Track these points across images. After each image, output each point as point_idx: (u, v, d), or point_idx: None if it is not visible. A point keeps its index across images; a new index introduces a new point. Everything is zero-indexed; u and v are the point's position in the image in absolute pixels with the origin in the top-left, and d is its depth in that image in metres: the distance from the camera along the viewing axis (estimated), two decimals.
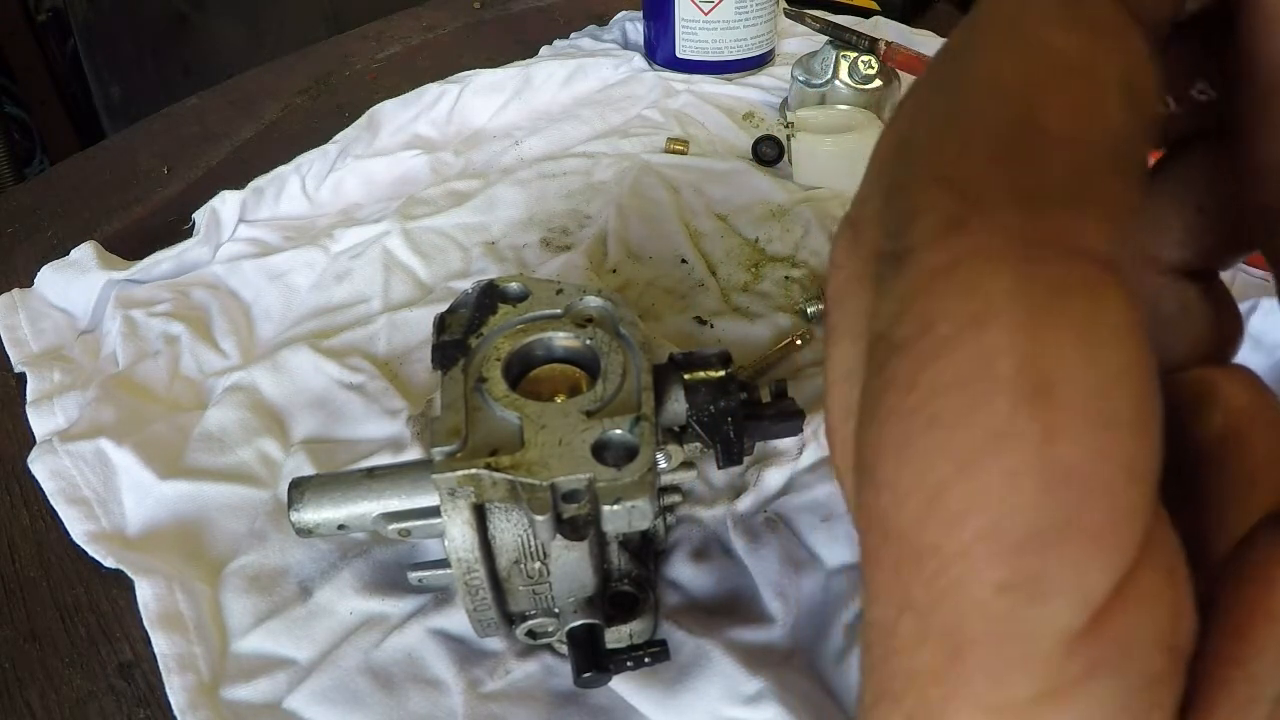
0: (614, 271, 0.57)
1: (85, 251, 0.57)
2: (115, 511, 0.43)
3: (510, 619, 0.35)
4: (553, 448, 0.31)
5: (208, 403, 0.48)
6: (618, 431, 0.31)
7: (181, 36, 1.42)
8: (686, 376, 0.35)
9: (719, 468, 0.36)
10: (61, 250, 0.58)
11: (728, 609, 0.38)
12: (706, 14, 0.74)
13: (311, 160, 0.65)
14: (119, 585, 0.41)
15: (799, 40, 0.81)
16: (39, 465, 0.45)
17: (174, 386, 0.50)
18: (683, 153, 0.67)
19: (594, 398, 0.33)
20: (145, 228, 0.63)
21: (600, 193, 0.63)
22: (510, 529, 0.32)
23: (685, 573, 0.39)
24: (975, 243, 0.12)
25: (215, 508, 0.43)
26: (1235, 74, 0.14)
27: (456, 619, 0.38)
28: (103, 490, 0.44)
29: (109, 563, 0.41)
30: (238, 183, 0.63)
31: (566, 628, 0.33)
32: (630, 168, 0.65)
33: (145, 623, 0.39)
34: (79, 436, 0.45)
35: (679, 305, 0.54)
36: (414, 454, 0.44)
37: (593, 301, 0.37)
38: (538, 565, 0.33)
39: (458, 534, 0.31)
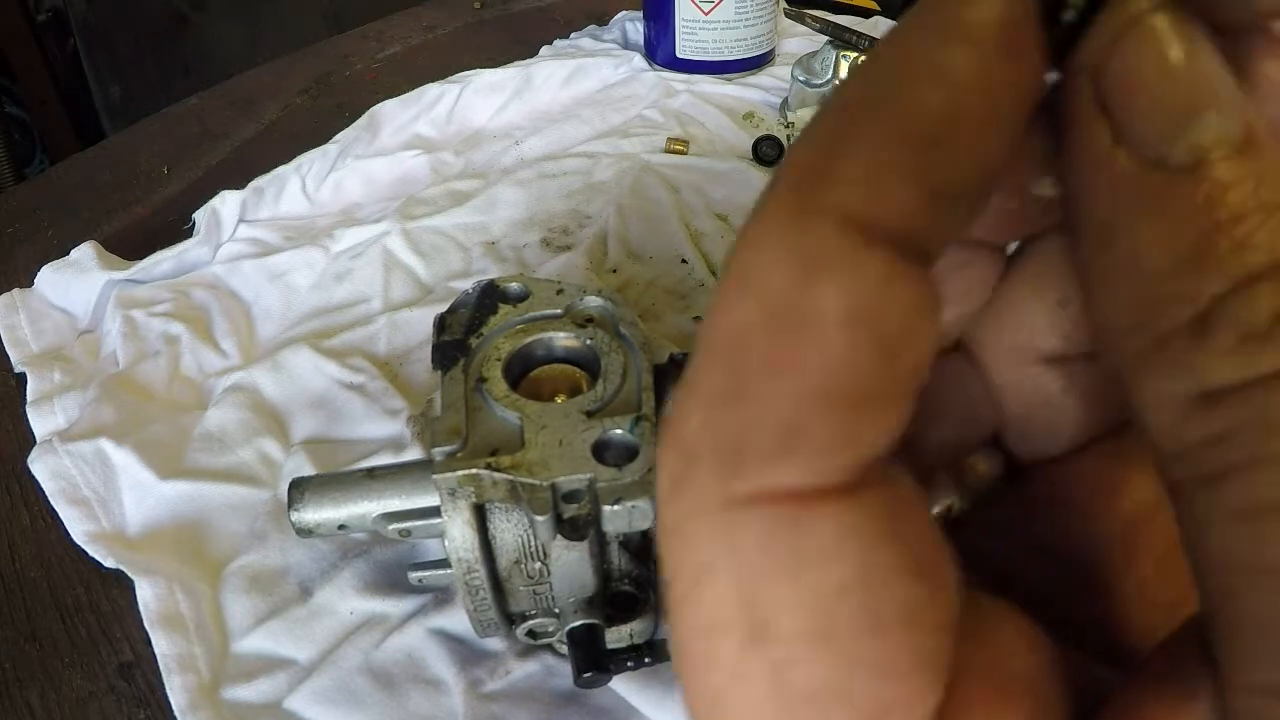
0: (614, 271, 0.57)
1: (85, 251, 0.57)
2: (115, 511, 0.43)
3: (510, 619, 0.35)
4: (553, 448, 0.31)
5: (208, 403, 0.48)
6: (618, 431, 0.31)
7: (181, 36, 1.42)
8: None
9: None
10: (61, 250, 0.58)
11: None
12: (706, 14, 0.74)
13: (311, 160, 0.65)
14: (119, 585, 0.41)
15: (799, 40, 0.81)
16: (39, 465, 0.45)
17: (174, 386, 0.50)
18: (683, 153, 0.67)
19: (594, 398, 0.33)
20: (145, 228, 0.63)
21: (600, 193, 0.63)
22: (510, 529, 0.32)
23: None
24: (687, 505, 0.13)
25: (215, 508, 0.43)
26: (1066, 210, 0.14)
27: (457, 619, 0.38)
28: (103, 490, 0.44)
29: (109, 563, 0.41)
30: (238, 183, 0.63)
31: (567, 628, 0.33)
32: (630, 168, 0.65)
33: (145, 623, 0.39)
34: (79, 436, 0.45)
35: (679, 305, 0.54)
36: (414, 454, 0.44)
37: (593, 301, 0.37)
38: (538, 565, 0.33)
39: (458, 534, 0.31)
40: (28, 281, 0.57)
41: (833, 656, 0.12)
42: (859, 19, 0.84)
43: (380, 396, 0.48)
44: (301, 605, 0.39)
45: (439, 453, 0.31)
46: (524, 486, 0.30)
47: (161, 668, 0.37)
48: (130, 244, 0.60)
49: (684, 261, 0.57)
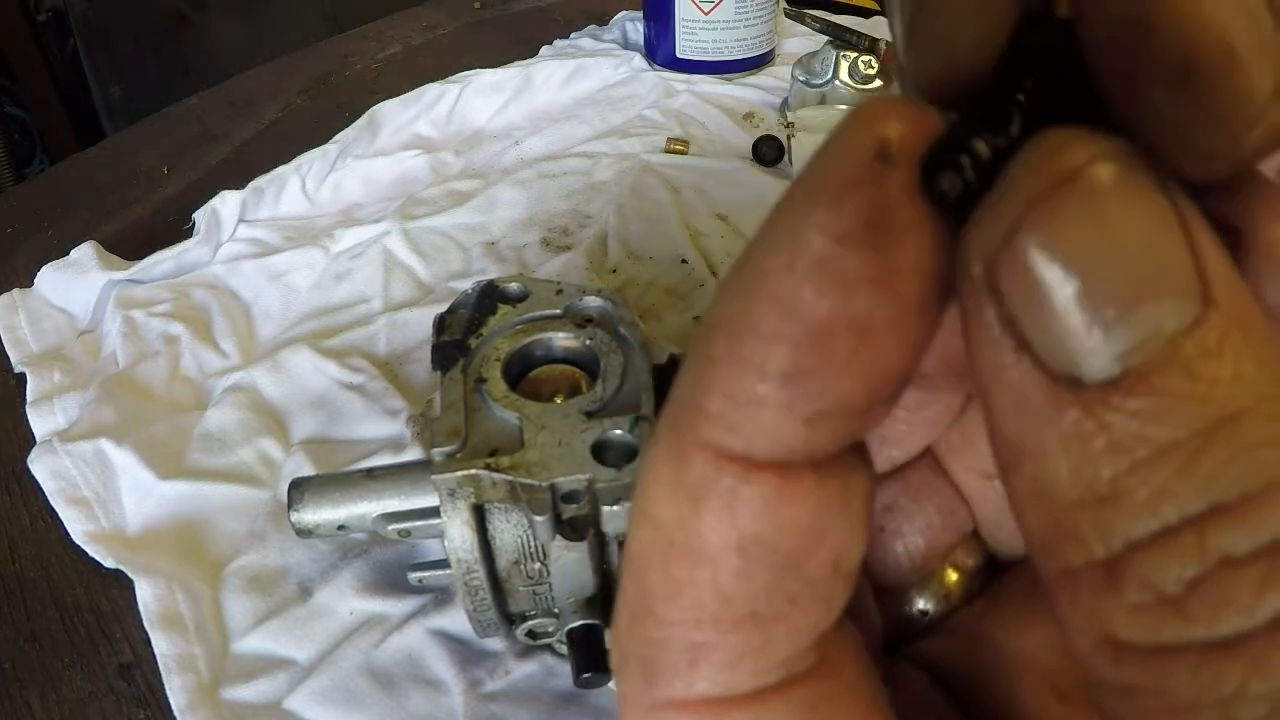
0: (614, 271, 0.57)
1: (85, 251, 0.57)
2: (115, 511, 0.43)
3: (510, 619, 0.35)
4: (552, 448, 0.31)
5: (208, 403, 0.48)
6: (617, 432, 0.31)
7: (181, 36, 1.42)
8: None
9: None
10: (61, 250, 0.58)
11: None
12: (706, 14, 0.74)
13: (311, 160, 0.65)
14: (119, 585, 0.41)
15: (799, 40, 0.81)
16: (39, 465, 0.45)
17: (174, 386, 0.50)
18: (683, 153, 0.67)
19: (594, 398, 0.33)
20: (145, 228, 0.63)
21: (600, 193, 0.63)
22: (510, 529, 0.32)
23: None
24: (624, 697, 0.13)
25: (215, 508, 0.43)
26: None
27: (456, 619, 0.38)
28: (103, 490, 0.44)
29: (109, 563, 0.41)
30: (238, 183, 0.63)
31: (566, 628, 0.33)
32: (630, 168, 0.65)
33: (145, 623, 0.39)
34: (79, 436, 0.45)
35: (679, 305, 0.54)
36: (414, 454, 0.44)
37: (592, 302, 0.37)
38: (537, 566, 0.33)
39: (457, 534, 0.31)
40: (28, 281, 0.57)
41: None
42: (859, 19, 0.84)
43: (380, 396, 0.48)
44: (301, 605, 0.39)
45: (438, 453, 0.31)
46: (523, 487, 0.30)
47: (161, 668, 0.37)
48: (130, 244, 0.60)
49: (684, 261, 0.57)
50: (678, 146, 0.67)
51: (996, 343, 0.11)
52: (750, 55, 0.77)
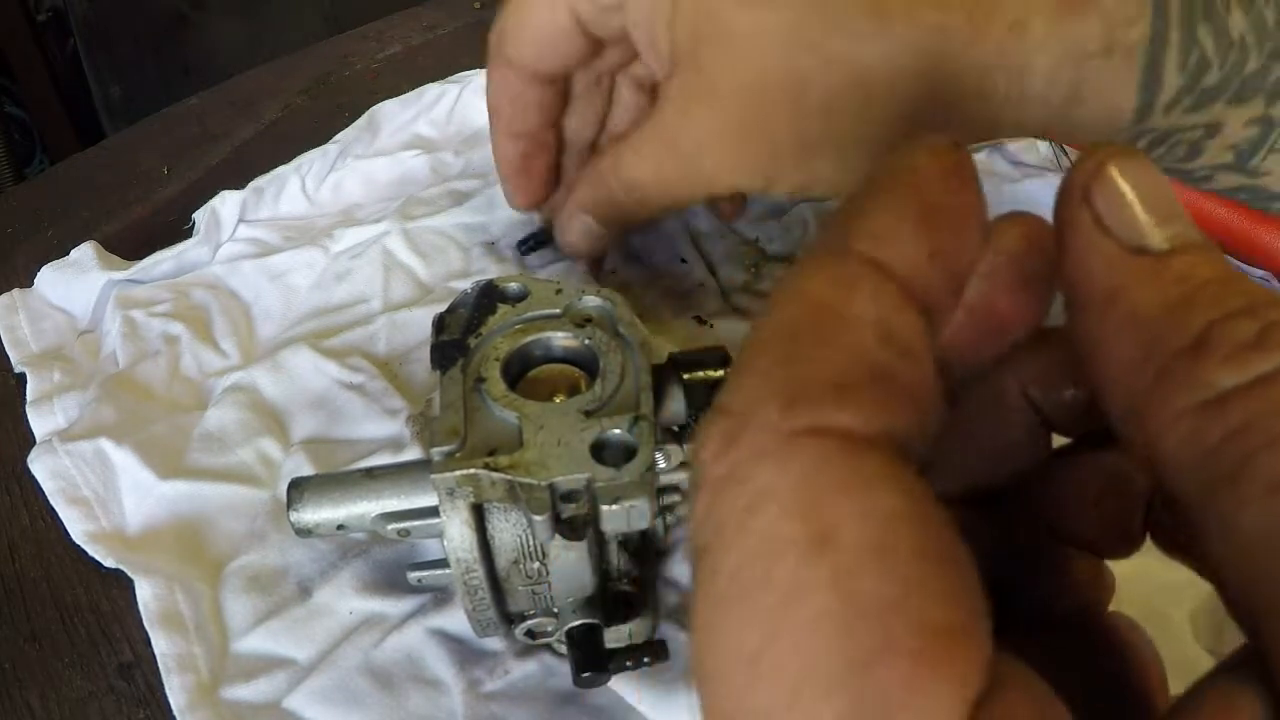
0: (613, 272, 0.57)
1: (85, 251, 0.57)
2: (115, 511, 0.43)
3: (510, 619, 0.35)
4: (551, 448, 0.31)
5: (208, 403, 0.48)
6: (616, 431, 0.31)
7: (181, 36, 1.42)
8: (686, 376, 0.35)
9: None
10: (61, 250, 0.58)
11: None
12: None
13: (311, 160, 0.65)
14: (119, 585, 0.41)
15: None
16: (39, 465, 0.45)
17: (174, 386, 0.50)
18: None
19: (593, 397, 0.33)
20: (145, 228, 0.63)
21: None
22: (509, 529, 0.32)
23: (685, 572, 0.39)
24: (745, 448, 0.15)
25: (215, 508, 0.43)
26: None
27: (456, 619, 0.38)
28: (103, 490, 0.44)
29: (109, 563, 0.41)
30: (238, 183, 0.63)
31: (565, 628, 0.33)
32: None
33: (145, 623, 0.39)
34: (79, 436, 0.45)
35: (679, 305, 0.54)
36: (414, 454, 0.44)
37: (592, 301, 0.37)
38: (536, 565, 0.33)
39: (456, 534, 0.32)
40: (28, 281, 0.57)
41: (893, 571, 0.14)
42: None
43: (380, 396, 0.48)
44: (301, 605, 0.39)
45: (437, 453, 0.31)
46: (522, 486, 0.30)
47: (161, 667, 0.37)
48: (130, 244, 0.60)
49: (683, 261, 0.57)
50: None
51: (1090, 230, 0.17)
52: None
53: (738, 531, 0.14)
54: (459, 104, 0.73)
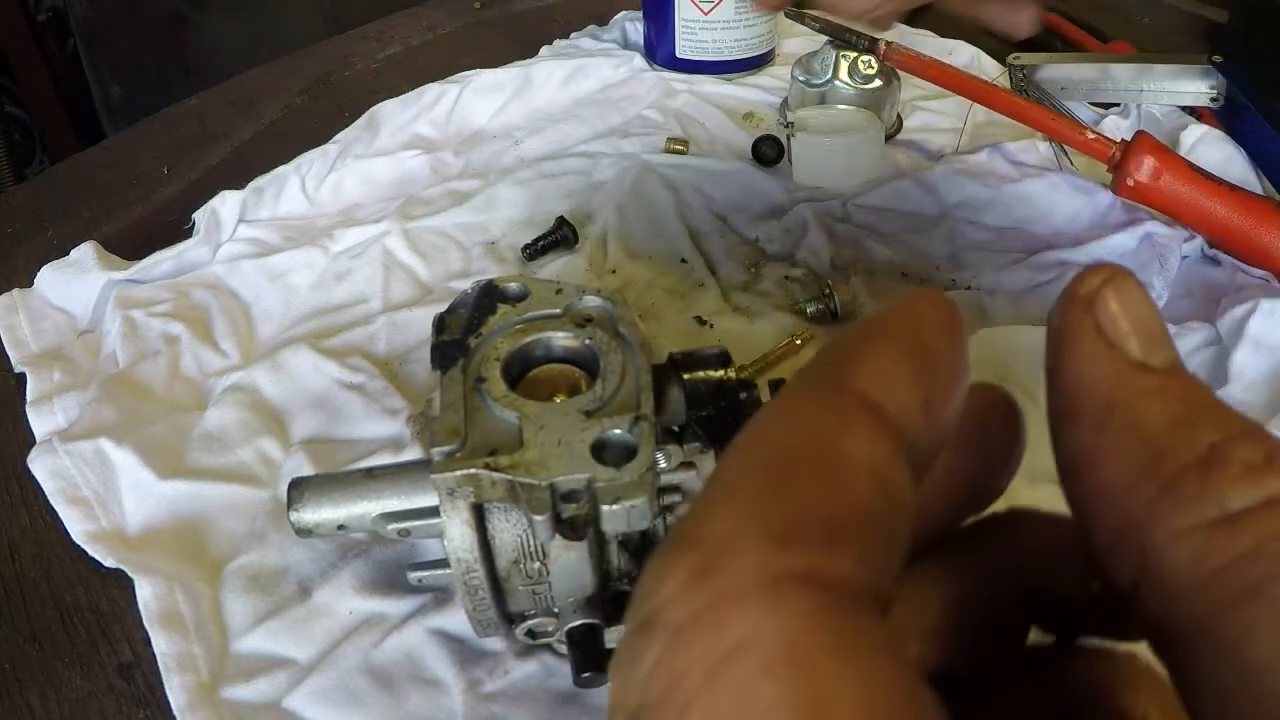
0: (614, 272, 0.57)
1: (85, 251, 0.57)
2: (115, 511, 0.43)
3: (510, 619, 0.35)
4: (552, 447, 0.31)
5: (207, 403, 0.48)
6: (617, 431, 0.31)
7: (181, 36, 1.42)
8: (686, 376, 0.35)
9: None
10: (61, 250, 0.58)
11: None
12: (706, 14, 0.74)
13: (311, 160, 0.65)
14: (119, 585, 0.41)
15: (799, 40, 0.81)
16: (39, 465, 0.45)
17: (174, 386, 0.50)
18: (683, 153, 0.67)
19: (593, 397, 0.33)
20: (145, 228, 0.63)
21: (600, 193, 0.63)
22: (509, 529, 0.32)
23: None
24: (720, 588, 0.13)
25: (215, 508, 0.43)
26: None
27: (456, 619, 0.38)
28: (103, 490, 0.44)
29: (109, 562, 0.41)
30: (238, 183, 0.63)
31: (566, 627, 0.33)
32: (630, 168, 0.65)
33: (145, 622, 0.39)
34: (79, 436, 0.45)
35: (679, 305, 0.54)
36: (414, 454, 0.44)
37: (592, 301, 0.37)
38: (537, 565, 0.33)
39: (457, 534, 0.31)
40: (28, 281, 0.57)
41: None
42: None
43: (380, 396, 0.48)
44: (301, 605, 0.39)
45: (437, 453, 0.31)
46: (523, 486, 0.30)
47: (161, 667, 0.37)
48: (130, 244, 0.60)
49: (684, 261, 0.57)
50: (677, 146, 0.67)
51: (1094, 340, 0.17)
52: (750, 55, 0.77)
53: (704, 688, 0.12)
54: (459, 104, 0.73)
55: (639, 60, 0.79)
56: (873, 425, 0.15)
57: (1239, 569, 0.14)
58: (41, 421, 0.48)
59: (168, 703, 0.36)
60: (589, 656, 0.32)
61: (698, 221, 0.60)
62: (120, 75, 1.45)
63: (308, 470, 0.43)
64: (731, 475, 0.15)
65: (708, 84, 0.76)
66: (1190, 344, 0.47)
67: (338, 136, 0.68)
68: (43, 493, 0.44)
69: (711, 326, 0.52)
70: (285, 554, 0.41)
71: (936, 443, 0.17)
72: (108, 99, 1.46)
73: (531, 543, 0.32)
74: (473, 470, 0.30)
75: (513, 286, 0.38)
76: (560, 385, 0.35)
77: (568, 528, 0.30)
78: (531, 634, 0.35)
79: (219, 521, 0.43)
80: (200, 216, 0.60)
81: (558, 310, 0.37)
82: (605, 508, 0.29)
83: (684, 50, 0.76)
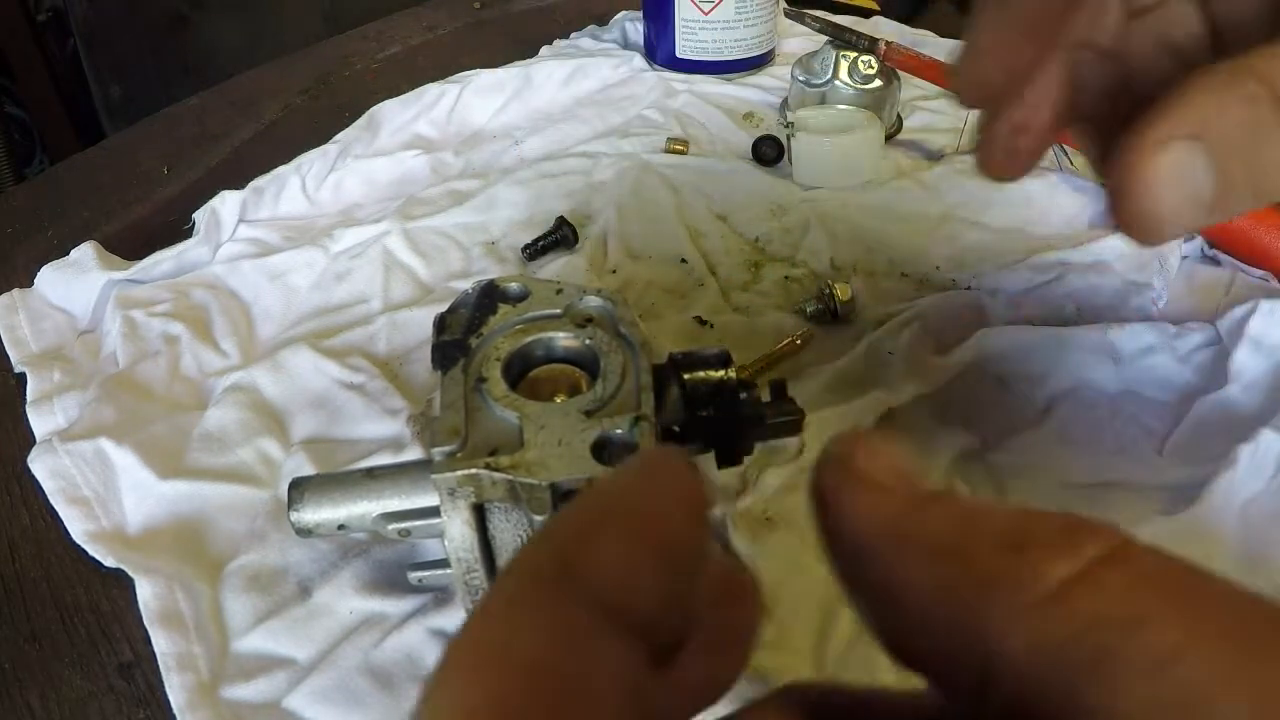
0: (614, 272, 0.57)
1: (85, 251, 0.57)
2: (115, 511, 0.43)
3: None
4: (552, 447, 0.31)
5: (208, 403, 0.48)
6: (617, 431, 0.31)
7: (181, 36, 1.42)
8: (686, 376, 0.35)
9: (719, 468, 0.36)
10: (61, 250, 0.58)
11: None
12: (706, 14, 0.74)
13: (311, 160, 0.65)
14: (119, 585, 0.41)
15: (799, 40, 0.81)
16: (39, 465, 0.45)
17: (174, 386, 0.50)
18: (683, 153, 0.67)
19: (594, 398, 0.33)
20: (145, 228, 0.63)
21: (600, 193, 0.63)
22: (510, 529, 0.32)
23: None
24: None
25: (215, 507, 0.43)
26: None
27: (456, 619, 0.38)
28: (103, 490, 0.44)
29: (109, 562, 0.41)
30: (238, 183, 0.63)
31: None
32: (630, 168, 0.65)
33: (145, 622, 0.39)
34: (79, 436, 0.45)
35: (679, 305, 0.54)
36: (414, 454, 0.44)
37: (592, 301, 0.37)
38: None
39: (457, 534, 0.31)
40: (28, 281, 0.57)
41: None
42: (859, 19, 0.84)
43: (380, 396, 0.48)
44: (301, 605, 0.39)
45: (438, 453, 0.31)
46: (523, 486, 0.30)
47: (161, 667, 0.37)
48: (130, 244, 0.60)
49: (684, 261, 0.57)
50: (678, 146, 0.67)
51: (864, 489, 0.17)
52: (750, 55, 0.77)
53: None
54: (459, 104, 0.73)
55: (639, 60, 0.79)
56: (617, 636, 0.14)
57: (1088, 635, 0.14)
58: (41, 421, 0.48)
59: (168, 702, 0.36)
60: None
61: (698, 221, 0.60)
62: (120, 75, 1.45)
63: (308, 470, 0.43)
64: (460, 707, 0.13)
65: (708, 84, 0.76)
66: (1190, 344, 0.47)
67: (338, 136, 0.68)
68: (43, 493, 0.44)
69: (712, 326, 0.52)
70: (285, 554, 0.41)
71: (682, 635, 0.16)
72: (108, 99, 1.46)
73: None
74: (473, 470, 0.30)
75: (513, 286, 0.38)
76: (561, 385, 0.35)
77: None
78: None
79: (219, 521, 0.43)
80: (200, 216, 0.60)
81: (558, 310, 0.37)
82: None
83: (684, 50, 0.76)
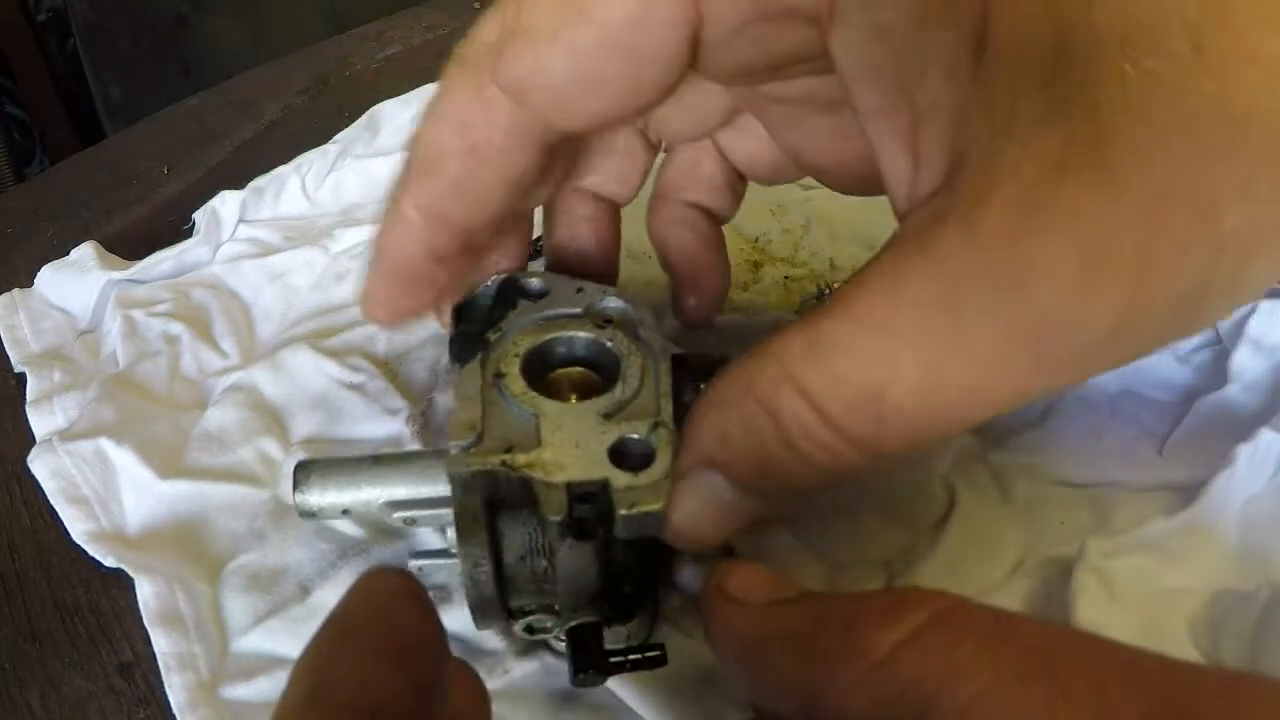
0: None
1: (85, 251, 0.57)
2: (115, 511, 0.43)
3: (511, 613, 0.35)
4: (569, 448, 0.30)
5: (208, 402, 0.48)
6: (635, 436, 0.31)
7: (181, 36, 1.42)
8: (703, 386, 0.35)
9: None
10: (61, 250, 0.58)
11: None
12: None
13: (311, 160, 0.65)
14: (119, 585, 0.41)
15: None
16: (39, 465, 0.45)
17: (174, 386, 0.50)
18: None
19: (612, 400, 0.33)
20: (145, 228, 0.63)
21: None
22: (519, 525, 0.32)
23: (686, 574, 0.39)
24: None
25: (215, 507, 0.43)
26: None
27: (456, 618, 0.38)
28: (103, 490, 0.44)
29: (109, 562, 0.41)
30: (238, 183, 0.63)
31: (566, 625, 0.33)
32: None
33: (145, 621, 0.39)
34: (79, 436, 0.45)
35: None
36: None
37: (613, 302, 0.36)
38: (544, 563, 0.32)
39: (468, 528, 0.31)
40: (28, 281, 0.57)
41: None
42: None
43: (380, 396, 0.48)
44: (301, 604, 0.39)
45: (454, 446, 0.31)
46: (539, 485, 0.30)
47: (161, 666, 0.37)
48: (130, 244, 0.60)
49: None
50: None
51: (732, 607, 0.23)
52: None
53: None
54: None
55: None
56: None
57: (910, 693, 0.17)
58: (41, 421, 0.48)
59: (168, 702, 0.36)
60: (587, 656, 0.32)
61: None
62: (120, 75, 1.45)
63: None
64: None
65: None
66: (1190, 344, 0.47)
67: (338, 136, 0.68)
68: (43, 492, 0.44)
69: (711, 327, 0.52)
70: (285, 554, 0.41)
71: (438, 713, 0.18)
72: (108, 99, 1.46)
73: (540, 540, 0.32)
74: (489, 466, 0.30)
75: (533, 282, 0.37)
76: (579, 385, 0.34)
77: (579, 529, 0.30)
78: (530, 629, 0.35)
79: (219, 521, 0.43)
80: (200, 216, 0.60)
81: (578, 309, 0.36)
82: (621, 512, 0.29)
83: None
